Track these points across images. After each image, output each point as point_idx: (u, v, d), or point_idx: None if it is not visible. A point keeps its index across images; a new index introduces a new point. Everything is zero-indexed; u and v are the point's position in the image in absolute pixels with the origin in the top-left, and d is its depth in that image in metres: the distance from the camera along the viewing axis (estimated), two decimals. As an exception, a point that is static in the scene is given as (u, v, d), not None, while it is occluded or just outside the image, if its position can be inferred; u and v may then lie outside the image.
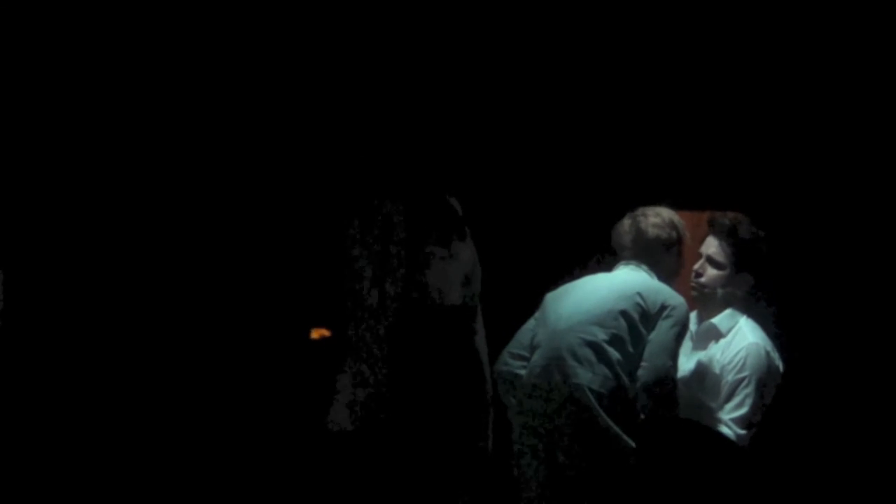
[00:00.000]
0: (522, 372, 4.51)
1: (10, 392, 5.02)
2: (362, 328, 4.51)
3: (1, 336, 4.81)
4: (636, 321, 4.42)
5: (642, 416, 4.36)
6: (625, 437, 4.35)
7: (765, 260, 4.62)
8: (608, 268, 4.67)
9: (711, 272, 4.63)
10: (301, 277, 5.31)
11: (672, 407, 4.44)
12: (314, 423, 4.61)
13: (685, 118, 5.58)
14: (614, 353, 4.40)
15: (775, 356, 4.56)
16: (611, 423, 4.34)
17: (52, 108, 5.35)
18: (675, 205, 4.73)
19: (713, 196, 5.24)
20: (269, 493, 5.23)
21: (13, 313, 4.85)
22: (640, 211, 4.64)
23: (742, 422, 4.46)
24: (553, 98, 5.56)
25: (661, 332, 4.41)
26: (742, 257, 4.59)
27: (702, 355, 4.62)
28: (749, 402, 4.46)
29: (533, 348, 4.53)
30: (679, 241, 4.62)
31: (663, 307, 4.43)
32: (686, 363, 4.62)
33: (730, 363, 4.53)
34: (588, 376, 4.37)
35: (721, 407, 4.50)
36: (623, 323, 4.42)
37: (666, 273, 4.61)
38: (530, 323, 4.64)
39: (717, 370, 4.55)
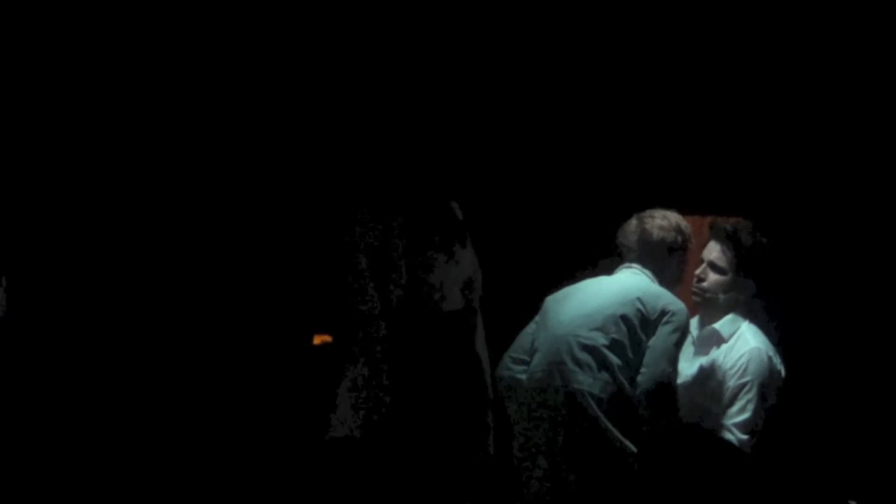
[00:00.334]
0: (523, 377, 4.50)
1: (9, 395, 5.04)
2: (363, 334, 4.52)
3: (4, 341, 4.82)
4: (636, 326, 4.40)
5: (643, 422, 4.36)
6: (626, 442, 4.34)
7: (767, 265, 4.60)
8: (609, 270, 4.65)
9: (713, 277, 4.60)
10: (302, 283, 5.27)
11: (673, 413, 4.42)
12: (315, 428, 4.62)
13: (689, 123, 5.58)
14: (614, 359, 4.38)
15: (777, 361, 4.54)
16: (611, 428, 4.33)
17: (52, 110, 5.34)
18: (677, 209, 4.72)
19: (715, 201, 5.24)
20: (271, 498, 5.22)
21: (16, 318, 4.89)
22: (647, 212, 4.62)
23: (744, 427, 4.45)
24: (554, 101, 5.56)
25: (660, 338, 4.39)
26: (744, 262, 4.57)
27: (703, 360, 4.60)
28: (751, 407, 4.45)
29: (533, 352, 4.53)
30: (684, 245, 4.60)
31: (663, 312, 4.41)
32: (687, 368, 4.60)
33: (732, 368, 4.51)
34: (588, 381, 4.36)
35: (723, 412, 4.48)
36: (623, 328, 4.40)
37: (668, 277, 4.59)
38: (531, 327, 4.62)
39: (718, 375, 4.53)
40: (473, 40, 5.43)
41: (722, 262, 4.59)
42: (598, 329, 4.41)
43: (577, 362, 4.39)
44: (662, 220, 4.59)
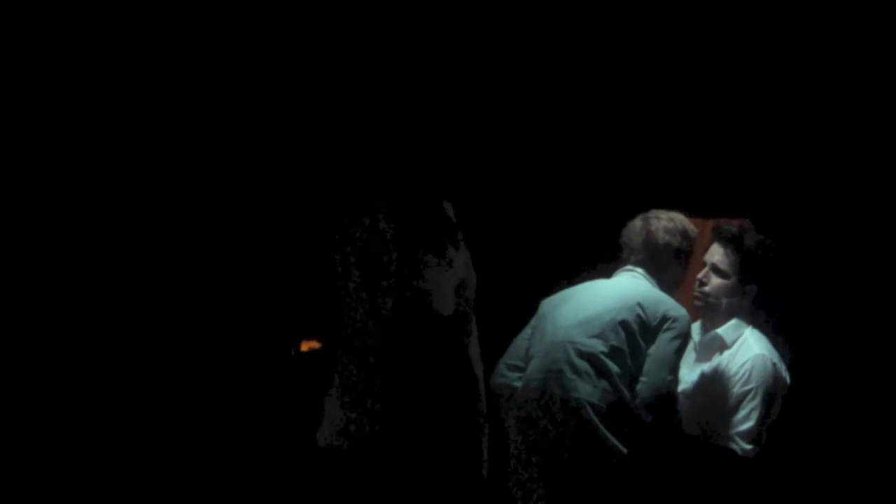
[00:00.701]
0: (519, 384, 4.49)
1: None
2: (352, 340, 4.44)
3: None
4: (636, 333, 4.37)
5: (643, 432, 4.33)
6: (626, 452, 4.31)
7: (771, 269, 4.58)
8: (608, 273, 4.63)
9: (716, 281, 4.59)
10: (289, 287, 5.29)
11: (674, 422, 4.40)
12: (303, 438, 4.56)
13: (690, 125, 5.61)
14: (613, 366, 4.35)
15: (782, 368, 4.52)
16: (611, 437, 4.31)
17: (41, 106, 5.35)
18: (679, 211, 4.69)
19: (718, 202, 5.24)
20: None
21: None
22: (653, 213, 4.60)
23: (748, 436, 4.42)
24: (550, 97, 5.58)
25: (661, 346, 4.37)
26: (748, 266, 4.55)
27: (705, 367, 4.59)
28: (755, 415, 4.42)
29: (529, 358, 4.50)
30: (689, 249, 4.59)
31: (664, 319, 4.39)
32: (689, 375, 4.59)
33: (735, 375, 4.49)
34: (588, 390, 4.34)
35: (726, 421, 4.46)
36: (622, 334, 4.38)
37: (670, 281, 4.57)
38: (526, 331, 4.61)
39: (721, 382, 4.51)
40: (466, 33, 5.48)
41: (725, 266, 4.57)
42: (596, 336, 4.39)
43: (576, 370, 4.36)
44: (668, 223, 4.57)
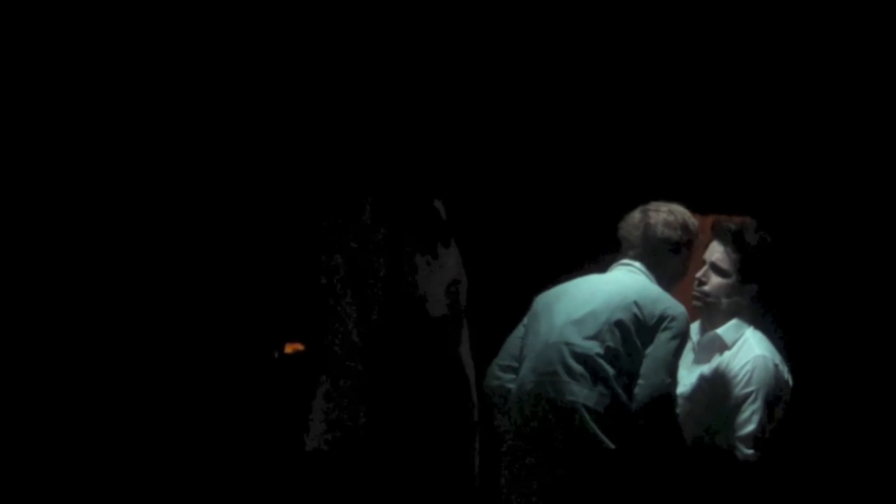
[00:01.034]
0: (513, 386, 4.44)
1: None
2: (339, 342, 4.46)
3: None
4: (632, 332, 4.31)
5: (640, 437, 4.27)
6: (623, 457, 4.25)
7: (773, 268, 4.53)
8: (604, 268, 4.58)
9: (715, 280, 4.54)
10: (273, 287, 5.26)
11: (672, 426, 4.34)
12: (288, 444, 4.55)
13: (689, 116, 5.59)
14: (609, 368, 4.29)
15: (784, 370, 4.48)
16: (607, 441, 4.24)
17: (32, 106, 5.35)
18: None
19: (718, 199, 5.18)
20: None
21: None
22: (652, 205, 4.55)
23: (749, 440, 4.38)
24: (542, 90, 5.57)
25: (658, 346, 4.31)
26: (748, 265, 4.50)
27: (705, 369, 4.53)
28: (756, 419, 4.38)
29: (522, 359, 4.45)
30: (689, 244, 4.54)
31: (661, 318, 4.32)
32: (687, 377, 4.53)
33: (735, 377, 4.44)
34: (583, 393, 4.27)
35: (726, 425, 4.42)
36: (618, 334, 4.32)
37: (668, 277, 4.52)
38: (519, 330, 4.55)
39: (721, 385, 4.46)
40: (457, 28, 5.46)
41: (725, 264, 4.52)
42: (592, 337, 4.34)
43: (571, 373, 4.30)
44: (668, 215, 4.52)
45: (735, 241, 4.49)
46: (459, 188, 4.82)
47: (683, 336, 4.36)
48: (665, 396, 4.28)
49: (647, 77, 5.53)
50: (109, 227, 5.34)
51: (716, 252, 4.53)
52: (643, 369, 4.28)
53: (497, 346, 4.57)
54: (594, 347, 4.30)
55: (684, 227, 4.50)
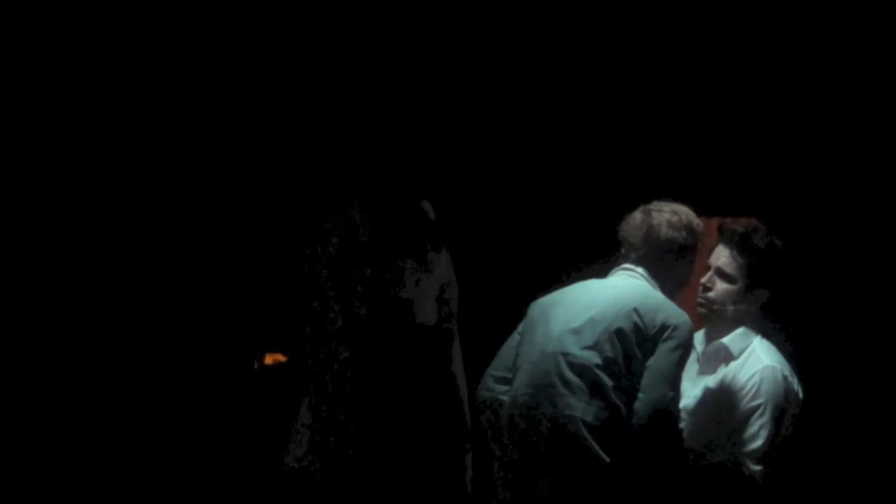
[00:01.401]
0: (507, 397, 4.34)
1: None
2: (324, 352, 4.37)
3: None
4: (632, 342, 4.20)
5: (641, 452, 4.16)
6: (622, 473, 4.14)
7: (782, 273, 4.44)
8: (604, 272, 4.49)
9: (721, 286, 4.44)
10: (254, 295, 5.24)
11: (675, 441, 4.24)
12: (269, 461, 4.48)
13: (694, 115, 5.62)
14: (608, 381, 4.17)
15: (794, 381, 4.40)
16: (606, 457, 4.14)
17: (30, 107, 5.41)
18: None
19: (724, 201, 5.16)
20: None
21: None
22: (655, 205, 4.44)
23: (757, 456, 4.29)
24: (533, 87, 5.56)
25: (660, 358, 4.19)
26: (756, 270, 4.41)
27: (710, 380, 4.45)
28: (764, 433, 4.29)
29: (516, 369, 4.35)
30: (694, 247, 4.43)
31: (663, 327, 4.21)
32: (691, 389, 4.44)
33: (742, 389, 4.36)
34: (581, 406, 4.16)
35: (732, 439, 4.33)
36: (618, 344, 4.20)
37: (672, 282, 4.41)
38: (514, 339, 4.45)
39: (727, 397, 4.38)
40: (450, 27, 5.44)
41: (731, 270, 4.43)
42: (590, 347, 4.22)
43: (568, 385, 4.19)
44: (672, 216, 4.41)
45: (742, 244, 4.40)
46: (448, 187, 4.77)
47: (686, 346, 4.26)
48: (667, 410, 4.16)
49: (646, 71, 5.50)
50: (85, 231, 5.31)
51: (721, 256, 4.44)
52: (644, 382, 4.18)
53: (490, 356, 4.48)
54: (593, 358, 4.19)
55: (689, 228, 4.39)
